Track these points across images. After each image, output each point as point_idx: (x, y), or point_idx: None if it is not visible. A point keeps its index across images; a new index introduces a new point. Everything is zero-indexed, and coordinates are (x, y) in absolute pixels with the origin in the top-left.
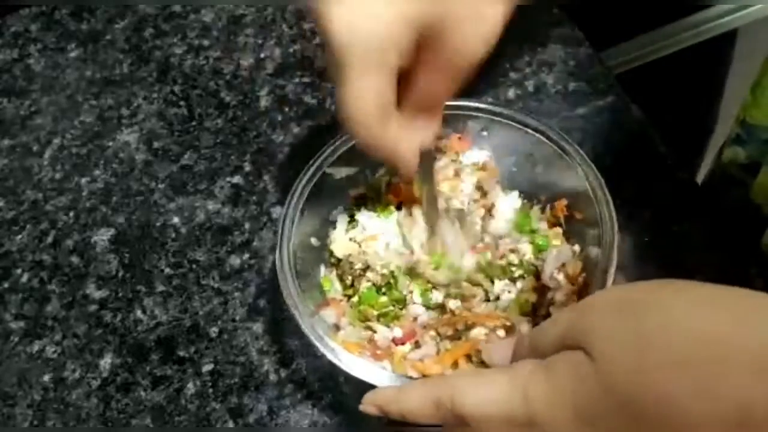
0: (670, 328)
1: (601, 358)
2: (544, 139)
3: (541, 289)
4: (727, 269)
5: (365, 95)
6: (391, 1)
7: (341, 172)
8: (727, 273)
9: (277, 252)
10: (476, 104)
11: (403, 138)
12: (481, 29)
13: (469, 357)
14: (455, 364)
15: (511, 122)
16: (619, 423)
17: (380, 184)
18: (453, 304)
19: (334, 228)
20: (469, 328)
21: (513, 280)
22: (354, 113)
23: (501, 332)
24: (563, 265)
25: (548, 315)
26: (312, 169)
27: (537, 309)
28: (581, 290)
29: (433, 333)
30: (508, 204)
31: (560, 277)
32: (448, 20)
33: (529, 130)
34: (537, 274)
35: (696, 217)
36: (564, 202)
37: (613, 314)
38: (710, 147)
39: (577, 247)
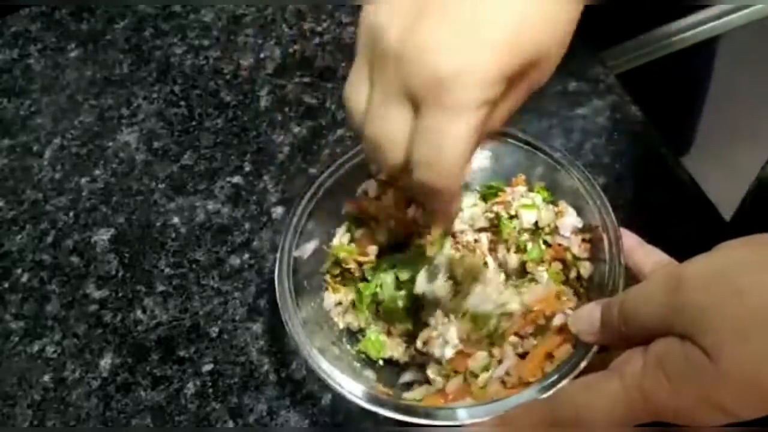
0: None
1: (715, 348)
2: (541, 155)
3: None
4: None
5: (466, 144)
6: (495, 50)
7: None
8: None
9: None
10: None
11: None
12: (556, 58)
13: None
14: (550, 357)
15: (504, 137)
16: (745, 402)
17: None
18: (515, 305)
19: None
20: (548, 318)
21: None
22: (450, 162)
23: (569, 311)
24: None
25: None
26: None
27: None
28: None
29: (513, 338)
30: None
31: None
32: (536, 57)
33: (523, 145)
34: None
35: (696, 217)
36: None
37: (714, 301)
38: (708, 146)
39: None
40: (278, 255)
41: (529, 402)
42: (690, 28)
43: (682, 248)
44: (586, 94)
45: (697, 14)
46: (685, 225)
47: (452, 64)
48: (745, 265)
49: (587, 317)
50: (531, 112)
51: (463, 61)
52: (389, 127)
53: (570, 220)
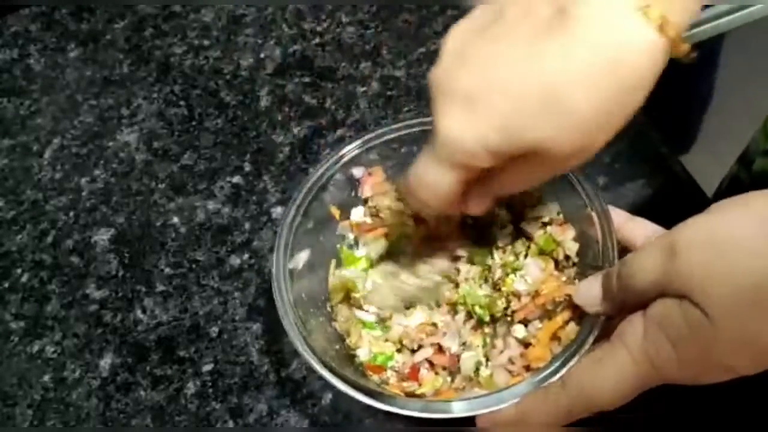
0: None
1: (713, 307)
2: None
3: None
4: None
5: (439, 184)
6: (479, 127)
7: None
8: None
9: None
10: None
11: (454, 211)
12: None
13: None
14: (556, 339)
15: None
16: (744, 359)
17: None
18: (519, 285)
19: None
20: (556, 304)
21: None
22: (427, 196)
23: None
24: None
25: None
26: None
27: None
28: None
29: (518, 326)
30: None
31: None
32: (537, 142)
33: None
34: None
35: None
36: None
37: (710, 260)
38: (708, 146)
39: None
40: (273, 268)
41: (542, 388)
42: (690, 28)
43: None
44: None
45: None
46: None
47: (447, 125)
48: (738, 225)
49: (589, 289)
50: None
51: (454, 126)
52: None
53: (548, 206)
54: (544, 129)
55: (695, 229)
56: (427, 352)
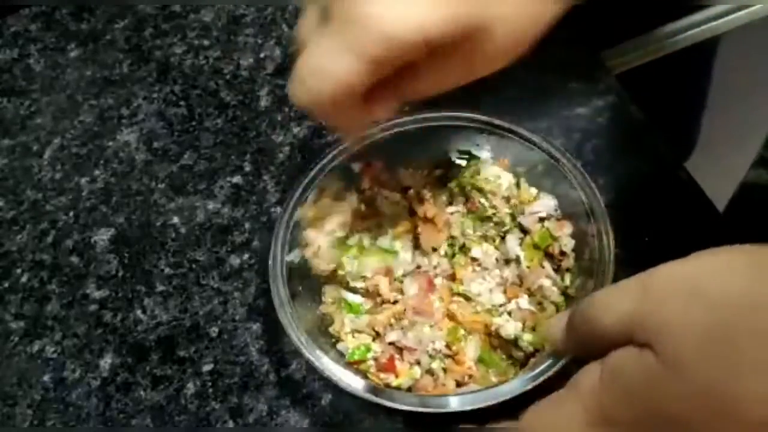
0: (740, 326)
1: (677, 360)
2: (540, 151)
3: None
4: None
5: (345, 75)
6: (436, 3)
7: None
8: None
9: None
10: (468, 115)
11: (357, 118)
12: (515, 33)
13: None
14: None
15: (504, 133)
16: (703, 414)
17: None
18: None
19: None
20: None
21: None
22: (315, 82)
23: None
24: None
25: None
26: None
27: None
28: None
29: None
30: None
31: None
32: (480, 25)
33: (524, 141)
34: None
35: (696, 217)
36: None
37: (682, 308)
38: (707, 146)
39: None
40: (270, 262)
41: (501, 429)
42: (690, 28)
43: (682, 248)
44: (586, 94)
45: (697, 14)
46: (685, 225)
47: (378, 11)
48: (715, 274)
49: (556, 324)
50: (531, 112)
51: (390, 11)
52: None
53: (545, 201)
54: (505, 3)
55: (670, 275)
56: (398, 334)
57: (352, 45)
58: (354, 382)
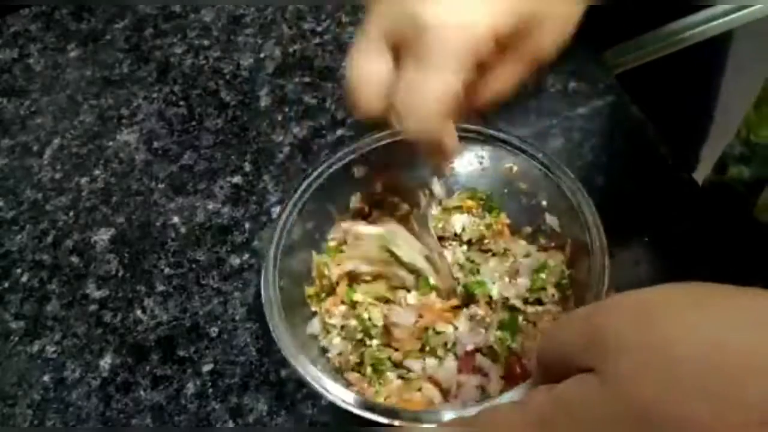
0: (698, 363)
1: (618, 377)
2: (531, 160)
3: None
4: (727, 269)
5: (446, 92)
6: (486, 2)
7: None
8: (727, 272)
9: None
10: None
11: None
12: (558, 28)
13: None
14: None
15: (496, 142)
16: None
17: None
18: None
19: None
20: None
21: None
22: (422, 109)
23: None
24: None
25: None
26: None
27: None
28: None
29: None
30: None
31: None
32: (534, 19)
33: (516, 151)
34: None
35: (696, 217)
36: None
37: (628, 327)
38: (707, 146)
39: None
40: (263, 270)
41: (454, 420)
42: (691, 28)
43: (682, 248)
44: (586, 94)
45: (698, 14)
46: (685, 225)
47: (437, 14)
48: (670, 302)
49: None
50: (531, 112)
51: (456, 11)
52: (367, 68)
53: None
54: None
55: (625, 298)
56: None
57: (438, 63)
58: (344, 395)
